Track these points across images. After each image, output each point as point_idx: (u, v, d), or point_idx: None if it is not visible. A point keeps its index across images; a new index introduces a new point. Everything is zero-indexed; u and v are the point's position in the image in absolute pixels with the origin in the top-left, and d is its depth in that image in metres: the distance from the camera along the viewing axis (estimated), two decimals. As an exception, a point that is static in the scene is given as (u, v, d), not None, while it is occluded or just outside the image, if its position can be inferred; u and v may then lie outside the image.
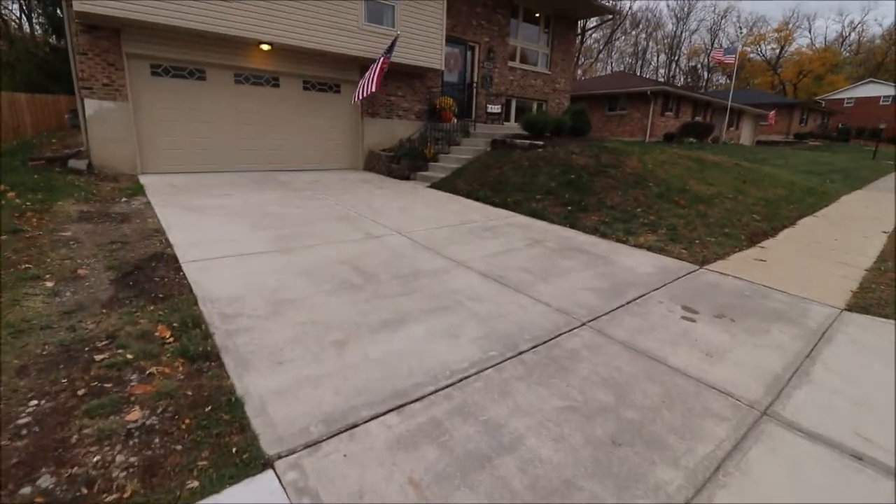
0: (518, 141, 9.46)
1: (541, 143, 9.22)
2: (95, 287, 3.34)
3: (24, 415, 2.06)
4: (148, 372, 2.43)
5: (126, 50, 7.53)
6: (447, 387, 2.46)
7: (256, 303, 3.26)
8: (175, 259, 3.96)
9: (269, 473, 1.85)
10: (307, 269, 3.95)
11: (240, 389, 2.33)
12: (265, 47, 8.64)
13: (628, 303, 3.70)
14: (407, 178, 9.36)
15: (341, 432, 2.09)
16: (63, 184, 6.35)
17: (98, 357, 2.50)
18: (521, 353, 2.83)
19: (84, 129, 7.48)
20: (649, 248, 5.18)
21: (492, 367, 2.68)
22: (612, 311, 3.53)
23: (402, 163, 9.53)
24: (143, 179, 7.44)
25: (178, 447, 1.96)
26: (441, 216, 6.27)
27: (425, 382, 2.48)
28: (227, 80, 8.76)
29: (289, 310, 3.20)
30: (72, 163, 7.34)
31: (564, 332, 3.13)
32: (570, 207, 6.65)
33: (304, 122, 9.84)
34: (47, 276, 3.43)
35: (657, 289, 4.03)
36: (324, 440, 2.03)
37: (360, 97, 8.69)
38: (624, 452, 2.08)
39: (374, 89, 8.47)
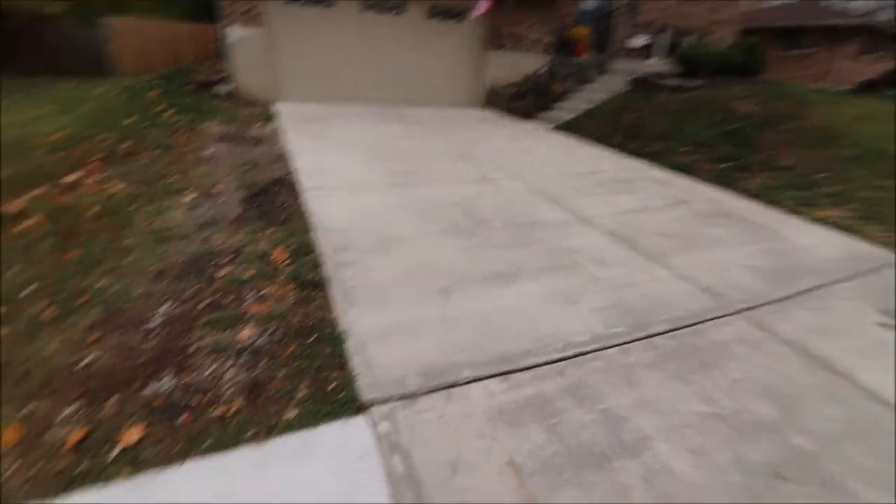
0: (665, 81, 8.07)
1: (695, 83, 7.76)
2: (227, 204, 3.55)
3: (156, 317, 2.22)
4: (262, 292, 2.48)
5: (266, -24, 7.73)
6: (560, 360, 2.14)
7: (367, 237, 3.19)
8: (296, 185, 4.06)
9: (363, 420, 1.74)
10: (419, 207, 3.79)
11: (343, 324, 2.26)
12: (395, -30, 8.26)
13: (801, 293, 2.92)
14: (530, 117, 8.66)
15: (439, 389, 1.90)
16: (209, 107, 6.94)
17: (222, 272, 2.62)
18: (653, 336, 2.37)
19: (229, 56, 8.03)
20: (834, 226, 4.08)
21: (616, 346, 2.27)
22: (779, 300, 2.81)
23: (525, 101, 8.80)
24: (278, 107, 7.87)
25: (281, 372, 1.95)
26: (565, 162, 5.65)
27: (535, 350, 2.18)
28: (354, 6, 8.65)
29: (397, 248, 3.07)
30: (217, 88, 7.99)
31: (711, 319, 2.56)
32: (726, 164, 5.53)
33: (426, 53, 9.48)
34: (189, 189, 3.72)
35: (843, 280, 3.13)
36: (420, 395, 1.87)
37: (479, 12, 8.08)
38: (791, 491, 1.59)
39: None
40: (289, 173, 4.36)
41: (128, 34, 13.16)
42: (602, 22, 11.27)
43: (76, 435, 1.60)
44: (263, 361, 2.01)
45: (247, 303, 2.39)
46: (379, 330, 2.24)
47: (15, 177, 3.80)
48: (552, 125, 8.10)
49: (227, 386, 1.87)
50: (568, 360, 2.14)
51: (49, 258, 2.62)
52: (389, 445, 1.63)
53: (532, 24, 10.08)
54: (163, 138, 4.97)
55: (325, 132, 6.18)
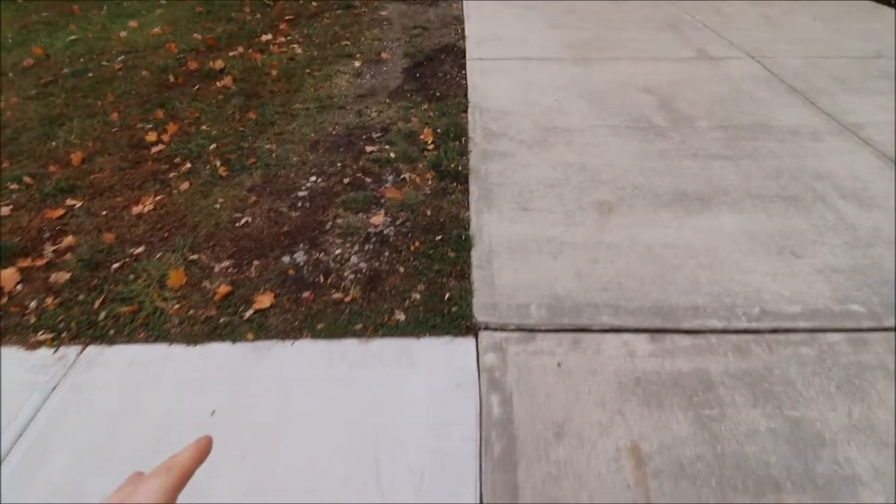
0: None
1: None
2: (389, 73, 3.36)
3: (302, 188, 2.27)
4: (402, 176, 2.34)
5: None
6: (746, 332, 1.55)
7: (525, 124, 2.71)
8: (462, 54, 3.62)
9: (470, 343, 1.55)
10: (597, 92, 3.04)
11: (474, 226, 2.00)
12: None
13: None
14: (794, -32, 6.08)
15: (566, 331, 1.57)
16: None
17: (369, 149, 2.53)
18: (922, 330, 1.54)
19: None
20: None
21: (845, 331, 1.55)
22: None
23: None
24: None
25: (401, 269, 1.85)
26: (840, 39, 3.88)
27: (711, 309, 1.62)
28: None
29: (558, 142, 2.54)
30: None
31: None
32: None
33: None
34: (358, 55, 3.62)
35: None
36: (541, 331, 1.57)
37: None
38: None
39: None
40: (457, 40, 3.91)
41: None
42: None
43: (224, 290, 1.78)
44: (386, 253, 1.91)
45: (385, 185, 2.28)
46: (512, 241, 1.92)
47: (228, 34, 4.20)
48: (832, -22, 5.56)
49: (349, 272, 1.84)
50: (758, 335, 1.54)
51: (234, 116, 2.87)
52: (491, 383, 1.42)
53: None
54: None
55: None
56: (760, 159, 2.37)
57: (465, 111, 2.84)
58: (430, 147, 2.53)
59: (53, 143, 2.77)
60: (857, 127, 2.62)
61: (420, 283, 1.78)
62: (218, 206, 2.18)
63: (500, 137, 2.59)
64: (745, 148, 2.46)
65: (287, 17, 4.42)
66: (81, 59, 3.94)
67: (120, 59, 3.87)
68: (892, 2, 4.69)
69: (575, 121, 2.74)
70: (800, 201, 2.09)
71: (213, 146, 2.59)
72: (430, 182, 2.29)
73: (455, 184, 2.27)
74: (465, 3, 4.81)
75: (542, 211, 2.07)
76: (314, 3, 4.69)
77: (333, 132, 2.68)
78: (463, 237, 1.95)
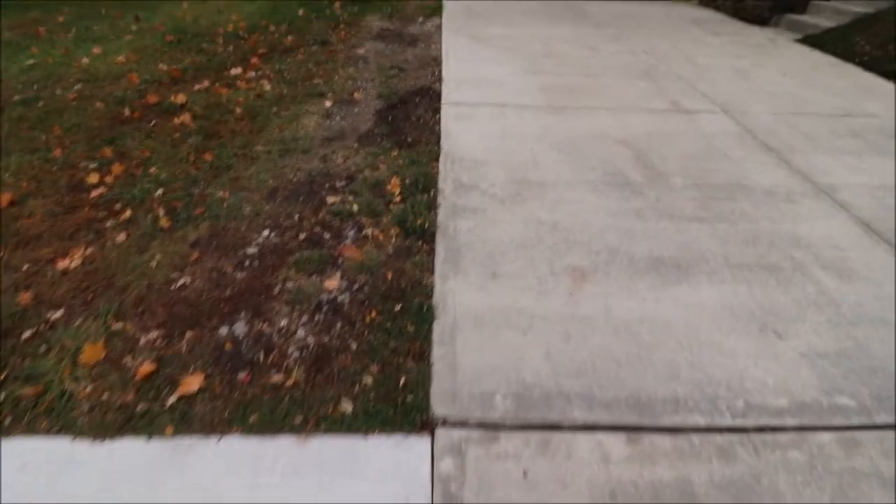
0: None
1: None
2: (360, 115, 3.24)
3: (253, 244, 2.08)
4: (364, 232, 2.16)
5: None
6: (730, 430, 1.40)
7: (498, 176, 2.59)
8: (438, 97, 3.54)
9: (425, 443, 1.36)
10: (572, 142, 2.97)
11: (438, 294, 1.83)
12: None
13: None
14: (764, 22, 6.35)
15: (533, 429, 1.39)
16: (379, -3, 6.56)
17: (330, 200, 2.36)
18: (917, 431, 1.42)
19: (407, -64, 7.34)
20: None
21: (835, 429, 1.42)
22: None
23: (762, -2, 6.41)
24: (445, 0, 7.14)
25: (354, 345, 1.65)
26: (807, 94, 3.95)
27: (692, 402, 1.47)
28: None
29: (531, 197, 2.43)
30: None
31: None
32: None
33: (635, -71, 7.40)
34: (329, 94, 3.50)
35: None
36: (506, 428, 1.39)
37: None
38: None
39: None
40: (433, 82, 3.84)
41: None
42: None
43: (147, 368, 1.55)
44: (339, 325, 1.72)
45: (344, 242, 2.10)
46: (479, 313, 1.75)
47: (196, 65, 4.04)
48: (799, 34, 5.80)
49: (294, 348, 1.64)
50: (743, 434, 1.39)
51: (188, 157, 2.68)
52: (446, 497, 1.23)
53: None
54: (324, 33, 4.82)
55: (487, 32, 5.35)
56: (737, 222, 2.29)
57: (437, 160, 2.71)
58: (397, 199, 2.38)
59: (-17, 181, 2.52)
60: (831, 189, 2.59)
61: (373, 363, 1.59)
62: (154, 263, 1.96)
63: (472, 190, 2.46)
64: (721, 209, 2.39)
65: (260, 51, 4.30)
66: (35, 87, 3.72)
67: (76, 87, 3.66)
68: (856, 60, 4.87)
69: (549, 174, 2.64)
70: (779, 271, 2.00)
71: (159, 191, 2.38)
72: (393, 239, 2.13)
73: (420, 242, 2.11)
74: (444, 43, 4.80)
75: (513, 277, 1.92)
76: (290, 38, 4.60)
77: (294, 179, 2.51)
78: (425, 307, 1.78)
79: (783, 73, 4.42)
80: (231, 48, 4.41)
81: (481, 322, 1.72)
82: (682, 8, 7.41)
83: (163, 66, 3.98)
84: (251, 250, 2.04)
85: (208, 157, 2.66)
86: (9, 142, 2.91)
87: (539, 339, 1.65)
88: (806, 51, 5.29)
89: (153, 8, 6.42)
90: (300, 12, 5.46)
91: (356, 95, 3.51)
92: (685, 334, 1.70)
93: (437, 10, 6.26)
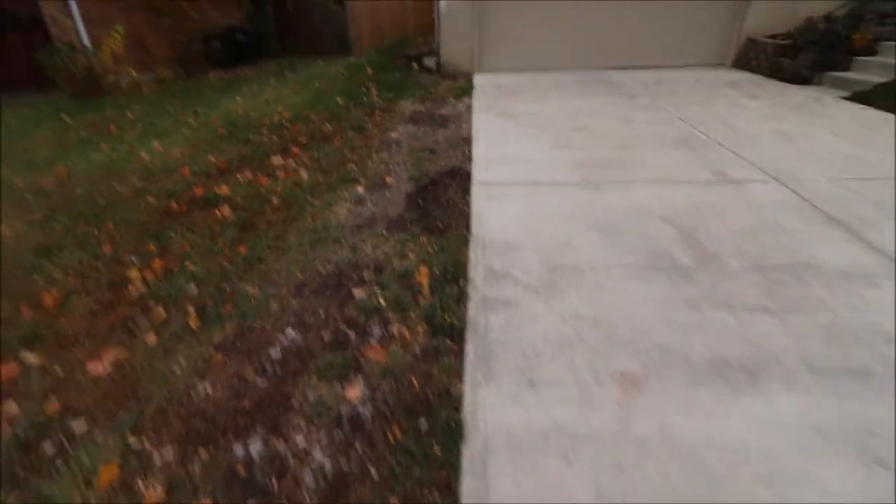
0: None
1: None
2: (391, 200, 3.27)
3: (276, 345, 2.01)
4: (389, 330, 2.06)
5: (482, -66, 7.17)
6: None
7: (531, 261, 2.46)
8: (468, 177, 3.54)
9: None
10: (609, 221, 2.82)
11: (467, 407, 1.66)
12: None
13: None
14: (806, 81, 6.18)
15: None
16: (413, 82, 6.97)
17: (357, 293, 2.30)
18: None
19: (437, 27, 7.91)
20: None
21: None
22: None
23: (801, 56, 6.30)
24: (476, 79, 7.47)
25: (373, 471, 1.48)
26: (868, 155, 3.67)
27: (785, 565, 1.18)
28: (575, -44, 7.42)
29: (568, 286, 2.26)
30: (425, 61, 8.02)
31: None
32: None
33: (657, 4, 7.65)
34: (362, 179, 3.58)
35: None
36: (550, 592, 1.14)
37: None
38: None
39: None
40: (463, 162, 3.87)
41: (365, 13, 14.64)
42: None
43: (155, 496, 1.44)
44: (358, 445, 1.57)
45: (369, 343, 2.00)
46: (513, 432, 1.55)
47: (241, 156, 4.30)
48: (846, 92, 5.58)
49: (309, 473, 1.49)
50: None
51: (224, 250, 2.73)
52: None
53: (831, -59, 7.04)
54: (360, 119, 5.08)
55: (517, 109, 5.48)
56: (812, 313, 2.01)
57: (467, 245, 2.63)
58: (425, 291, 2.29)
59: (36, 277, 2.66)
60: (916, 267, 2.28)
61: (394, 494, 1.41)
62: (178, 368, 1.91)
63: (504, 280, 2.33)
64: (788, 296, 2.12)
65: (300, 140, 4.55)
66: (98, 182, 4.04)
67: (133, 182, 3.94)
68: (915, 115, 4.56)
69: (587, 257, 2.48)
70: (871, 377, 1.69)
71: (193, 288, 2.41)
72: (420, 338, 2.00)
73: (449, 342, 1.97)
74: (474, 123, 4.92)
75: (551, 385, 1.72)
76: (328, 126, 4.87)
77: (323, 271, 2.48)
78: (453, 424, 1.60)
79: (835, 134, 4.18)
80: (275, 138, 4.71)
81: (517, 445, 1.51)
82: (714, 72, 7.40)
83: (212, 159, 4.26)
84: (274, 353, 1.97)
85: (243, 249, 2.71)
86: (65, 237, 3.10)
87: (585, 470, 1.42)
88: (856, 108, 5.03)
89: (212, 103, 7.10)
90: (340, 101, 5.84)
91: (388, 179, 3.58)
92: (763, 463, 1.42)
93: (467, 91, 6.54)
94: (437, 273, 2.40)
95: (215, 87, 9.49)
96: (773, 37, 7.16)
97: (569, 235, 2.70)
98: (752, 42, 7.37)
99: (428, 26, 14.34)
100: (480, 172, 3.62)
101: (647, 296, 2.18)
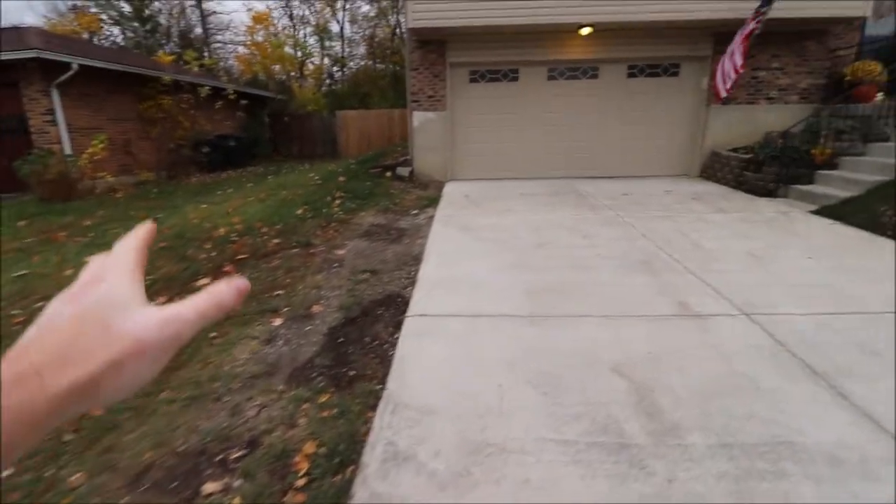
0: None
1: None
2: (308, 336, 2.83)
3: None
4: (230, 556, 1.49)
5: (450, 60, 7.67)
6: None
7: (446, 436, 1.95)
8: (405, 306, 3.14)
9: None
10: (552, 373, 2.36)
11: None
12: (585, 31, 7.22)
13: None
14: (771, 194, 6.14)
15: None
16: (382, 191, 6.93)
17: (209, 487, 1.75)
18: None
19: (410, 139, 8.16)
20: None
21: None
22: None
23: (764, 170, 6.34)
24: (446, 188, 7.50)
25: None
26: (846, 283, 3.34)
27: None
28: (539, 78, 7.89)
29: (485, 479, 1.74)
30: (399, 170, 8.14)
31: None
32: None
33: (623, 118, 7.98)
34: (285, 309, 3.18)
35: None
36: None
37: (727, 87, 6.07)
38: None
39: (740, 69, 5.80)
40: (407, 286, 3.51)
41: (353, 122, 15.53)
42: (902, 50, 7.81)
43: None
44: None
45: (193, 581, 1.42)
46: None
47: (168, 276, 3.94)
48: (813, 206, 5.47)
49: None
50: None
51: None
52: None
53: (783, 65, 7.55)
54: (312, 234, 4.84)
55: (479, 221, 5.30)
56: (799, 532, 1.48)
57: (374, 408, 2.14)
58: (302, 480, 1.75)
59: None
60: (929, 449, 1.78)
61: None
62: None
63: (405, 465, 1.81)
64: (767, 495, 1.60)
65: (239, 258, 4.24)
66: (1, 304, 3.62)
67: (36, 307, 3.52)
68: (888, 233, 4.36)
69: (517, 430, 1.98)
70: None
71: (11, 476, 1.86)
72: (266, 574, 1.43)
73: (303, 582, 1.40)
74: (430, 237, 4.68)
75: None
76: (275, 241, 4.60)
77: (180, 449, 1.96)
78: None
79: (808, 256, 3.90)
80: (214, 254, 4.40)
81: None
82: (681, 183, 7.46)
83: (137, 278, 3.89)
84: None
85: (97, 410, 2.20)
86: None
87: None
88: (826, 224, 4.86)
89: (177, 209, 6.98)
90: (299, 212, 5.68)
91: (314, 309, 3.18)
92: None
93: (434, 201, 6.46)
94: (324, 453, 1.88)
95: (191, 191, 9.55)
96: (735, 150, 7.33)
97: (500, 394, 2.22)
98: (716, 155, 7.54)
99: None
100: (420, 300, 3.24)
101: (584, 495, 1.65)
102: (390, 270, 3.82)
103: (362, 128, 15.48)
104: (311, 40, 24.98)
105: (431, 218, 5.48)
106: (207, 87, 11.28)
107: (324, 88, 23.49)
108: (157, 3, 24.36)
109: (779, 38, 7.28)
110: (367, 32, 23.80)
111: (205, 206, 7.09)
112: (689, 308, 3.02)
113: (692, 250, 4.12)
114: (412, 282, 3.57)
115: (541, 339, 2.69)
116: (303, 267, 3.94)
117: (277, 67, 23.09)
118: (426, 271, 3.77)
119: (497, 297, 3.28)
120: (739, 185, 6.71)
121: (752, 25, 5.74)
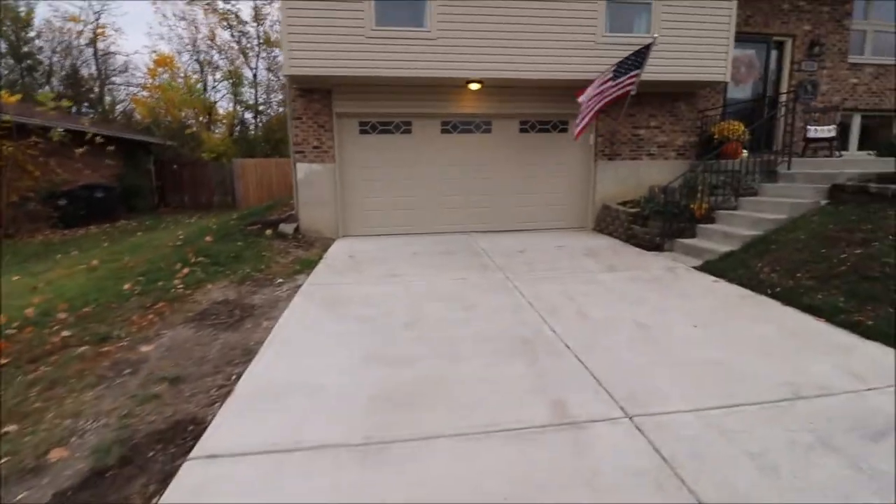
0: (888, 186, 5.01)
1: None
2: (8, 517, 1.83)
3: None
4: None
5: (336, 110, 7.14)
6: None
7: None
8: (194, 440, 2.24)
9: None
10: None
11: None
12: (474, 87, 7.10)
13: None
14: (658, 247, 6.12)
15: None
16: (253, 254, 5.99)
17: None
18: None
19: (295, 193, 7.38)
20: None
21: None
22: None
23: (649, 224, 6.36)
24: (333, 247, 6.74)
25: None
26: (733, 360, 3.01)
27: None
28: (433, 131, 7.60)
29: None
30: (282, 227, 7.25)
31: None
32: None
33: (518, 172, 7.87)
34: (10, 455, 2.14)
35: None
36: None
37: (581, 127, 6.41)
38: None
39: (592, 116, 6.22)
40: (216, 400, 2.62)
41: (251, 170, 14.43)
42: (762, 112, 8.63)
43: None
44: None
45: None
46: None
47: None
48: (697, 261, 5.43)
49: None
50: None
51: None
52: None
53: (659, 124, 7.93)
54: (122, 321, 3.77)
55: (353, 292, 4.56)
56: None
57: None
58: None
59: None
60: None
61: None
62: None
63: None
64: None
65: (3, 361, 3.08)
66: None
67: None
68: (767, 291, 4.27)
69: None
70: None
71: None
72: None
73: None
74: (282, 319, 3.82)
75: None
76: (64, 334, 3.48)
77: None
78: None
79: (694, 325, 3.61)
80: (34, 334, 3.20)
81: None
82: (576, 236, 7.36)
83: None
84: None
85: None
86: None
87: None
88: (709, 282, 4.75)
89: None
90: (127, 286, 4.57)
91: (52, 455, 2.17)
92: None
93: (311, 264, 5.64)
94: None
95: (27, 253, 7.87)
96: (624, 203, 7.41)
97: None
98: (607, 209, 7.57)
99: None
100: (221, 426, 2.35)
101: None
102: (202, 376, 2.90)
103: (262, 176, 14.42)
104: (221, 86, 23.85)
105: (296, 289, 4.64)
106: (61, 131, 9.72)
107: (234, 135, 22.21)
108: (37, 42, 21.90)
109: (653, 98, 7.67)
110: (284, 80, 23.17)
111: (17, 277, 5.65)
112: (565, 411, 2.44)
113: (578, 321, 3.68)
114: (226, 393, 2.68)
115: (367, 489, 1.93)
116: (81, 373, 2.89)
117: (184, 113, 21.53)
118: (254, 372, 2.91)
119: (331, 412, 2.49)
120: (629, 238, 6.68)
121: (623, 83, 5.96)
